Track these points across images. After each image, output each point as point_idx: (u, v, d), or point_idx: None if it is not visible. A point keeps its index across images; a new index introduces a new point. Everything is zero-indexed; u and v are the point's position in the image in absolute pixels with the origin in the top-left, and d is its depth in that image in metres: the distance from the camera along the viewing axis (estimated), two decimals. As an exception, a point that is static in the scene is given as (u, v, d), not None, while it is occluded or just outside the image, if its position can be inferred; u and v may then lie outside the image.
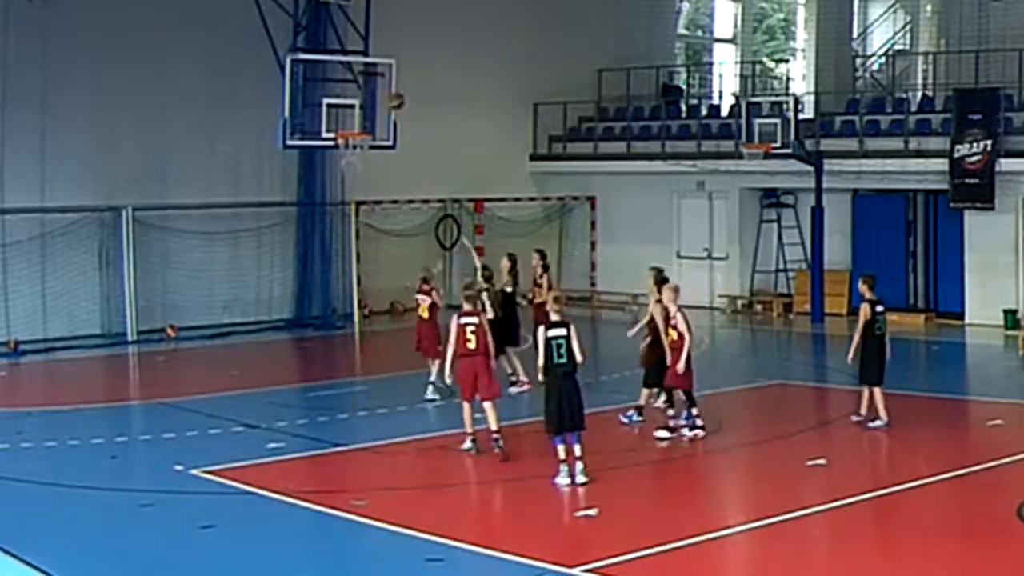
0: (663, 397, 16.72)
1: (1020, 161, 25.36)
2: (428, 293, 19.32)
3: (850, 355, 17.05)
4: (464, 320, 15.49)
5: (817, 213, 28.07)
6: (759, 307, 30.01)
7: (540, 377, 14.41)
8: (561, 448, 14.04)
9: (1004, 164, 25.47)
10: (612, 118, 32.63)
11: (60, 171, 24.86)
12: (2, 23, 23.78)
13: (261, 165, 27.63)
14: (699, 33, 39.10)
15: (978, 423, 17.89)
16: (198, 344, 25.59)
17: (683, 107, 33.05)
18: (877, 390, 16.75)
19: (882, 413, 16.63)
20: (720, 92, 36.62)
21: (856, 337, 16.91)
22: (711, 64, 38.13)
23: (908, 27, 35.85)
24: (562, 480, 13.93)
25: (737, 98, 32.02)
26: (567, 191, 32.73)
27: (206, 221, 26.88)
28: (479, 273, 19.64)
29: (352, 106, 22.52)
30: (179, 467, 14.95)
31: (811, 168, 27.67)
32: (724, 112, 31.87)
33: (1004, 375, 22.00)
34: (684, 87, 35.65)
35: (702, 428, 16.26)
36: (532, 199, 32.41)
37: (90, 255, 25.57)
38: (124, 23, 25.41)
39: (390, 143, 23.17)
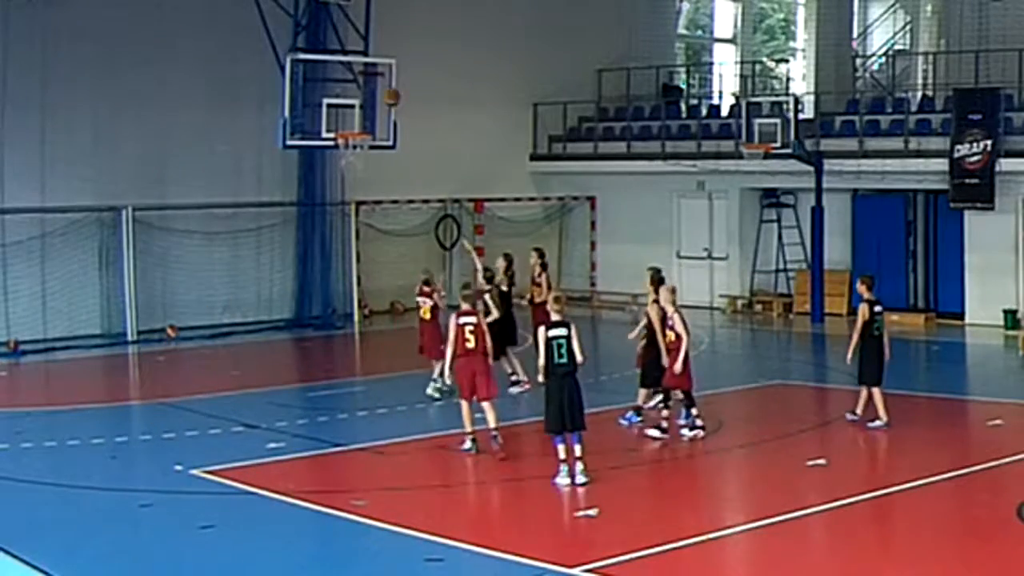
0: (658, 397, 16.71)
1: (1020, 161, 25.36)
2: (429, 295, 19.32)
3: (848, 355, 17.07)
4: (463, 320, 15.53)
5: (817, 213, 28.08)
6: (759, 307, 30.01)
7: (540, 378, 14.41)
8: (561, 448, 14.04)
9: (1004, 164, 25.47)
10: (612, 118, 32.63)
11: (60, 171, 24.87)
12: (2, 23, 23.79)
13: (261, 165, 27.64)
14: (699, 33, 39.09)
15: (978, 423, 17.90)
16: (198, 344, 25.59)
17: (683, 107, 33.04)
18: (876, 390, 16.76)
19: (882, 413, 16.64)
20: (720, 92, 36.60)
21: (854, 337, 16.92)
22: (711, 64, 38.11)
23: (908, 27, 35.83)
24: (562, 480, 13.93)
25: (737, 98, 32.02)
26: (567, 191, 32.74)
27: (206, 221, 26.89)
28: (480, 274, 19.64)
29: (352, 106, 22.53)
30: (179, 467, 14.95)
31: (811, 168, 27.68)
32: (724, 112, 31.87)
33: (1004, 375, 22.00)
34: (684, 87, 35.64)
35: (702, 428, 16.26)
36: (532, 199, 32.42)
37: (90, 255, 25.57)
38: (124, 23, 25.42)
39: (390, 143, 23.18)
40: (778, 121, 27.17)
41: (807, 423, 17.71)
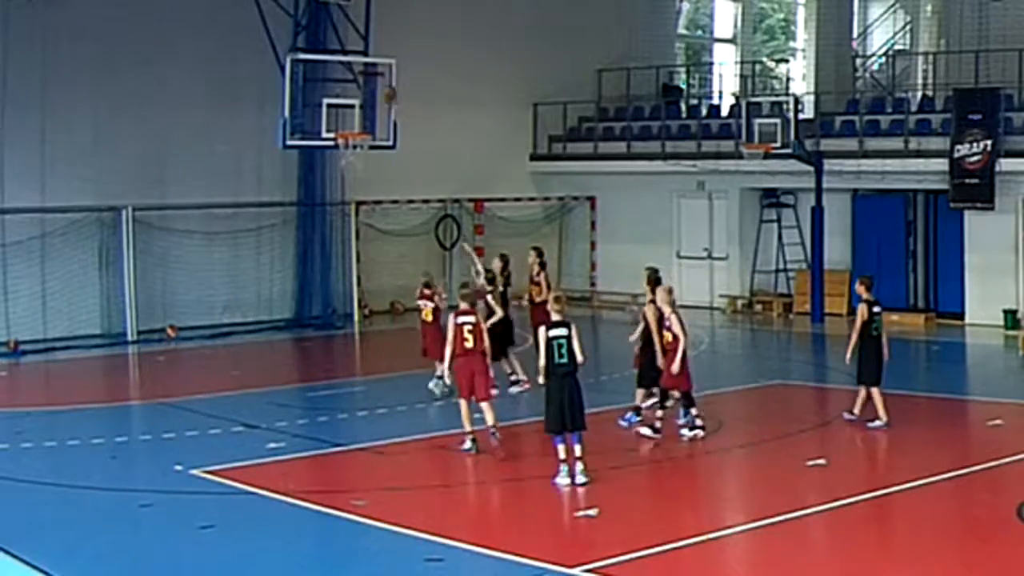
0: (652, 399, 16.69)
1: (1020, 161, 25.35)
2: (430, 298, 19.31)
3: (848, 355, 17.07)
4: (461, 319, 15.56)
5: (817, 213, 28.08)
6: (759, 307, 30.02)
7: (541, 380, 14.39)
8: (561, 448, 14.04)
9: (1004, 164, 25.46)
10: (612, 118, 32.63)
11: (60, 171, 24.87)
12: (2, 23, 23.79)
13: (261, 165, 27.64)
14: (699, 33, 39.09)
15: (978, 423, 17.90)
16: (198, 344, 25.59)
17: (683, 107, 33.04)
18: (875, 390, 16.76)
19: (881, 413, 16.63)
20: (720, 92, 36.60)
21: (853, 337, 16.93)
22: (711, 64, 38.11)
23: (908, 27, 35.83)
24: (562, 480, 13.93)
25: (737, 98, 32.02)
26: (567, 191, 32.74)
27: (206, 221, 26.89)
28: (482, 276, 19.61)
29: (352, 106, 22.52)
30: (179, 467, 14.96)
31: (811, 168, 27.68)
32: (724, 112, 31.86)
33: (1004, 375, 22.00)
34: (684, 87, 35.64)
35: (702, 428, 16.26)
36: (532, 199, 32.42)
37: (90, 255, 25.58)
38: (124, 23, 25.42)
39: (390, 143, 23.17)
40: (778, 121, 27.17)
41: (807, 423, 17.71)
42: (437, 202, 30.60)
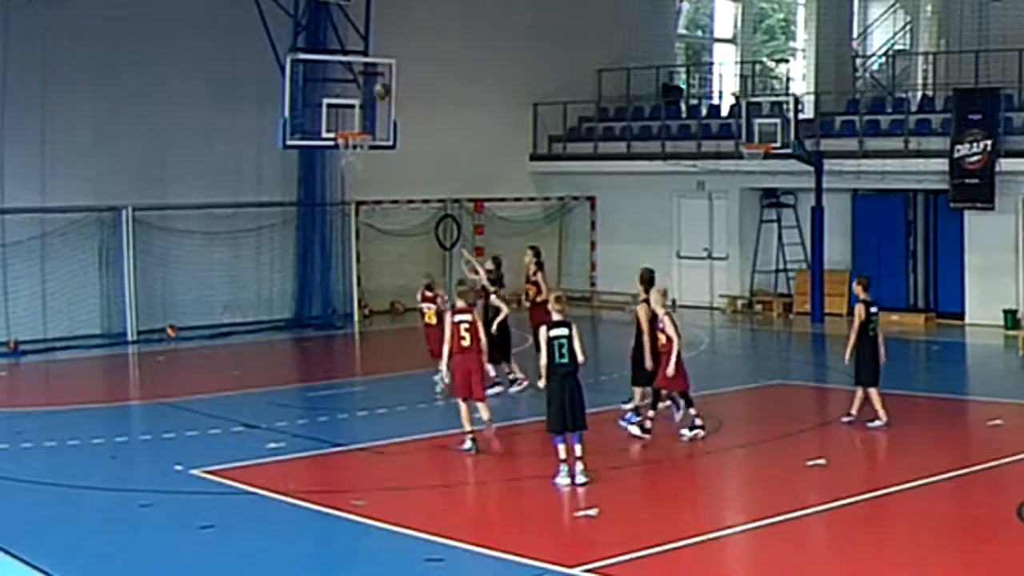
0: (637, 399, 16.70)
1: (1020, 161, 25.35)
2: (432, 300, 19.31)
3: (847, 356, 17.06)
4: (459, 318, 15.61)
5: (817, 213, 28.08)
6: (759, 307, 30.02)
7: (541, 383, 14.38)
8: (562, 448, 14.04)
9: (1004, 164, 25.46)
10: (612, 118, 32.63)
11: (60, 171, 24.87)
12: (2, 23, 23.79)
13: (261, 165, 27.64)
14: (699, 33, 39.09)
15: (978, 423, 17.89)
16: (198, 344, 25.60)
17: (683, 107, 33.04)
18: (873, 390, 16.76)
19: (881, 413, 16.63)
20: (720, 92, 36.61)
21: (852, 338, 16.93)
22: (711, 64, 38.12)
23: (908, 27, 35.82)
24: (562, 480, 13.93)
25: (737, 98, 32.02)
26: (567, 191, 32.74)
27: (206, 221, 26.89)
28: (484, 277, 19.57)
29: (352, 106, 22.51)
30: (179, 467, 14.96)
31: (811, 168, 27.68)
32: (724, 112, 31.87)
33: (1004, 375, 22.00)
34: (684, 87, 35.64)
35: (702, 428, 16.25)
36: (532, 199, 32.43)
37: (90, 255, 25.58)
38: (124, 23, 25.42)
39: (390, 143, 23.16)
40: (778, 121, 27.17)
41: (807, 423, 17.72)
42: (437, 202, 30.60)
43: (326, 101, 22.34)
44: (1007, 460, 14.82)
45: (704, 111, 32.55)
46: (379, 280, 29.25)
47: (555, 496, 13.76)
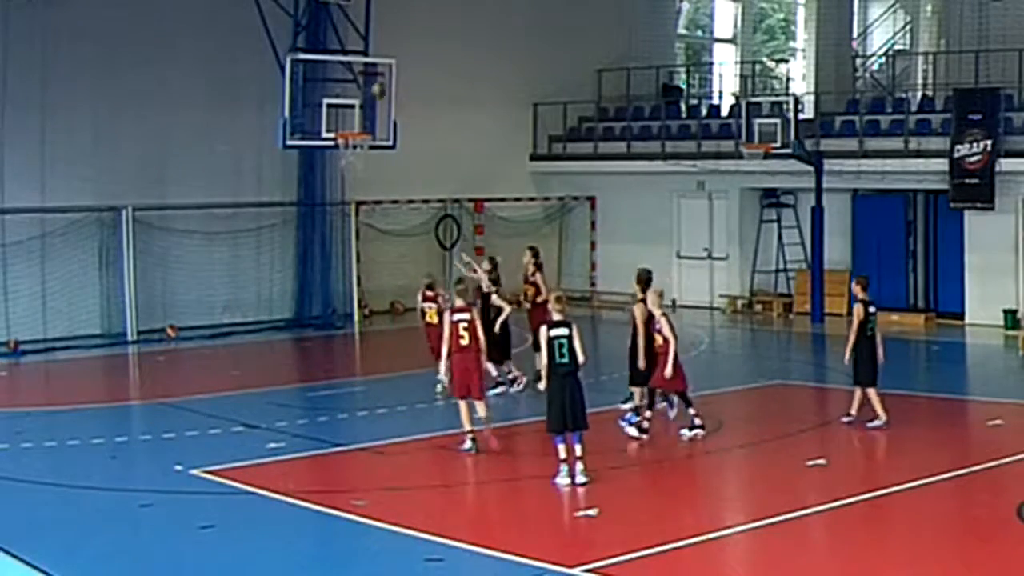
0: (636, 400, 16.70)
1: (1020, 161, 25.35)
2: (434, 300, 19.31)
3: (847, 356, 17.06)
4: (457, 317, 15.62)
5: (817, 213, 28.08)
6: (759, 307, 30.02)
7: (541, 386, 14.38)
8: (562, 447, 14.04)
9: (1004, 164, 25.46)
10: (612, 118, 32.63)
11: (60, 171, 24.88)
12: (2, 23, 23.79)
13: (261, 165, 27.65)
14: (699, 33, 39.09)
15: (978, 423, 17.89)
16: (198, 344, 25.60)
17: (683, 107, 33.03)
18: (871, 390, 16.77)
19: (880, 412, 16.63)
20: (720, 92, 36.61)
21: (852, 338, 16.93)
22: (711, 64, 38.12)
23: (908, 27, 35.82)
24: (562, 480, 13.93)
25: (737, 98, 32.02)
26: (567, 191, 32.75)
27: (206, 221, 26.89)
28: (486, 278, 19.56)
29: (352, 106, 22.52)
30: (179, 467, 14.96)
31: (811, 168, 27.68)
32: (724, 112, 31.87)
33: (1004, 375, 22.00)
34: (684, 87, 35.64)
35: (701, 428, 16.26)
36: (532, 199, 32.43)
37: (90, 255, 25.58)
38: (124, 23, 25.43)
39: (390, 143, 23.17)
40: (778, 121, 27.17)
41: (807, 423, 17.71)
42: (437, 202, 30.60)
43: (326, 101, 22.36)
44: (1007, 460, 14.82)
45: (704, 111, 32.55)
46: (379, 280, 29.25)
47: (555, 496, 13.76)
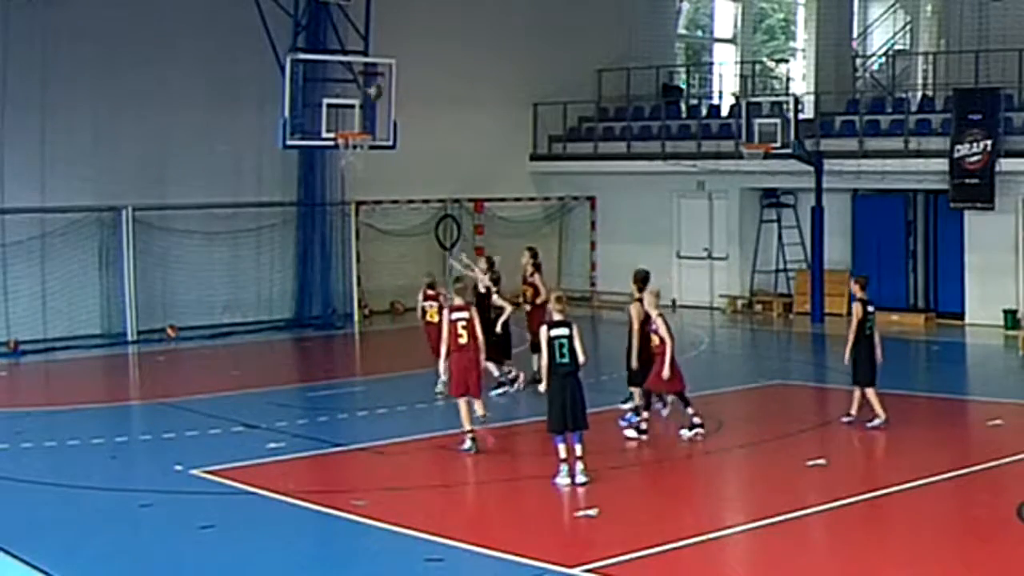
0: (636, 400, 16.69)
1: (1020, 161, 25.35)
2: (435, 299, 19.32)
3: (847, 356, 17.06)
4: (455, 315, 15.63)
5: (817, 213, 28.08)
6: (759, 307, 30.02)
7: (541, 387, 14.38)
8: (562, 447, 14.04)
9: (1004, 164, 25.47)
10: (612, 118, 32.63)
11: (60, 171, 24.87)
12: (2, 23, 23.79)
13: (261, 165, 27.65)
14: (699, 33, 39.10)
15: (978, 423, 17.89)
16: (198, 344, 25.60)
17: (683, 107, 33.03)
18: (870, 390, 16.76)
19: (879, 411, 16.62)
20: (720, 92, 36.61)
21: (851, 337, 16.94)
22: (711, 64, 38.12)
23: (908, 27, 35.83)
24: (562, 480, 13.93)
25: (737, 98, 32.02)
26: (567, 191, 32.75)
27: (206, 221, 26.89)
28: (487, 278, 19.56)
29: (352, 106, 22.52)
30: (179, 467, 14.96)
31: (811, 168, 27.68)
32: (724, 112, 31.87)
33: (1004, 375, 22.00)
34: (684, 87, 35.64)
35: (701, 428, 16.25)
36: (532, 199, 32.43)
37: (90, 255, 25.59)
38: (124, 23, 25.43)
39: (390, 143, 23.17)
40: (778, 121, 27.17)
41: (807, 423, 17.71)
42: (437, 202, 30.61)
43: (326, 101, 22.36)
44: (1007, 460, 14.82)
45: (704, 111, 32.56)
46: (379, 280, 29.25)
47: (555, 496, 13.75)
